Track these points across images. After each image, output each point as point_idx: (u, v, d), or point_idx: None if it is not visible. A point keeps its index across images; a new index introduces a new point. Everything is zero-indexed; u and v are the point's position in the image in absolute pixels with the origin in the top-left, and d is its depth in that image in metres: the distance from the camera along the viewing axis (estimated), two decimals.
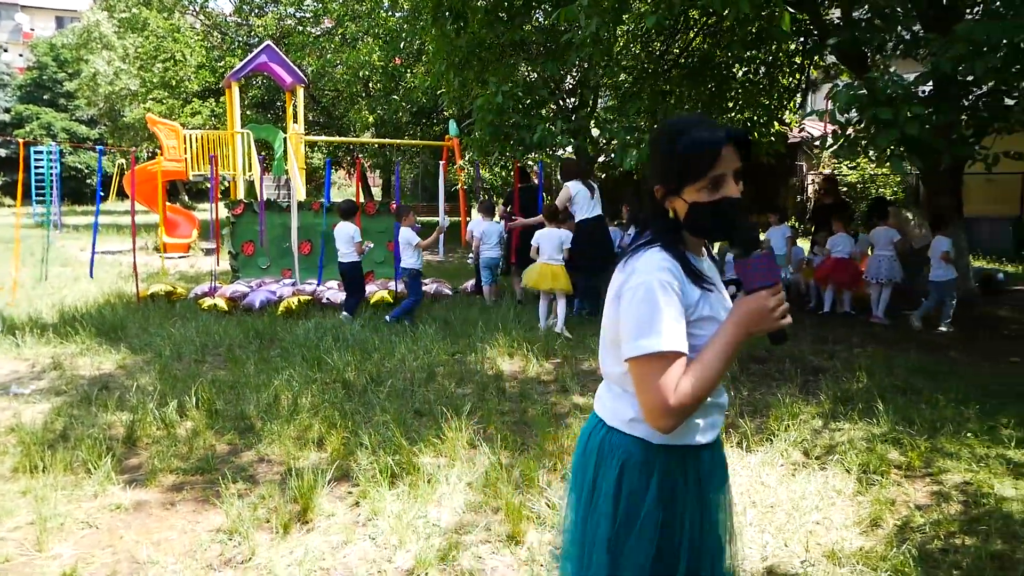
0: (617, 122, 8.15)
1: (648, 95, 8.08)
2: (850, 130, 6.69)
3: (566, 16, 6.91)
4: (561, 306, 7.02)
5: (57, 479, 3.58)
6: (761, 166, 11.70)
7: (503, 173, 16.98)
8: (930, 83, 6.88)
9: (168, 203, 14.91)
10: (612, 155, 8.51)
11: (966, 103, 7.09)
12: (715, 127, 1.52)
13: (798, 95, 10.91)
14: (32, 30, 51.45)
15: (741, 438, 4.27)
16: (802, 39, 9.11)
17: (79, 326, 6.84)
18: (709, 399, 1.57)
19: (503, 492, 3.39)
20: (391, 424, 4.26)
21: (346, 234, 7.39)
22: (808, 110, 8.99)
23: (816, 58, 10.11)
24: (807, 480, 3.72)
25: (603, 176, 21.49)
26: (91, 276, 9.88)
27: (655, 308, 1.46)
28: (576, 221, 7.45)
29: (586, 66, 9.44)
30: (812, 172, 19.68)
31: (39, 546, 3.03)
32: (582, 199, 7.36)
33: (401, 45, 14.64)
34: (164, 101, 20.15)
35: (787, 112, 10.31)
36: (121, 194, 36.49)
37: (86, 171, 36.69)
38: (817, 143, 6.74)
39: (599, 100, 11.45)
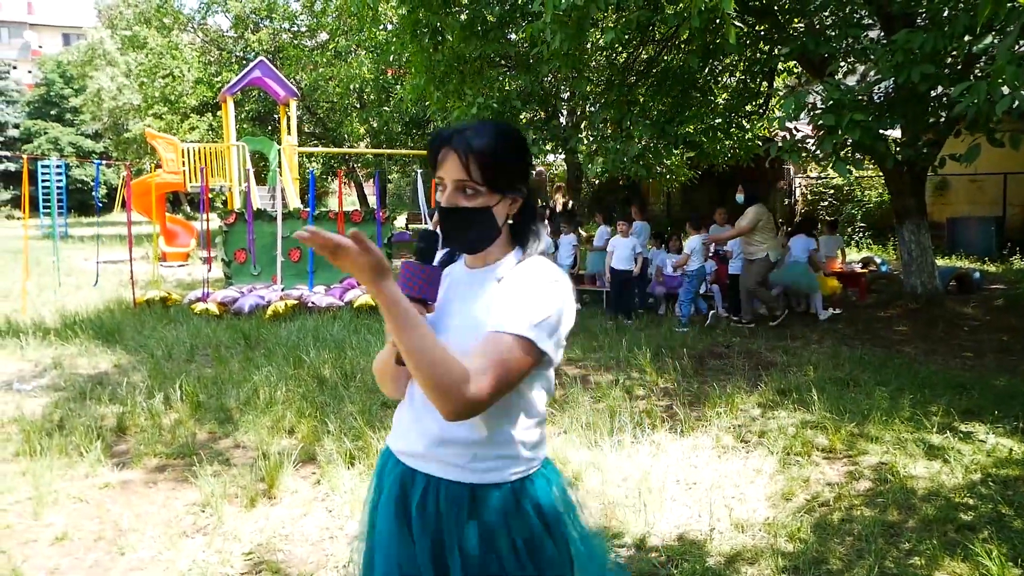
0: (587, 131, 8.58)
1: (614, 105, 8.49)
2: (802, 133, 7.10)
3: (532, 32, 7.33)
4: None
5: (53, 461, 4.03)
6: (742, 169, 12.07)
7: None
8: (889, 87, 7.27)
9: (169, 214, 15.41)
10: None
11: (928, 107, 7.45)
12: (444, 131, 1.50)
13: (774, 100, 11.30)
14: (40, 47, 52.27)
15: (676, 424, 4.67)
16: (767, 48, 9.50)
17: (79, 330, 7.31)
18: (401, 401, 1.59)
19: None
20: (356, 414, 4.68)
21: (628, 245, 8.20)
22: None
23: (788, 64, 10.49)
24: (732, 462, 4.11)
25: (595, 183, 21.93)
26: (95, 284, 10.38)
27: None
28: None
29: (558, 78, 9.87)
30: (800, 176, 20.04)
31: (36, 516, 3.48)
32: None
33: (391, 58, 15.13)
34: (164, 116, 20.69)
35: (758, 118, 10.70)
36: (125, 205, 37.16)
37: (92, 184, 37.33)
38: (765, 148, 7.08)
39: (587, 110, 11.87)
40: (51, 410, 4.94)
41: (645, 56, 9.42)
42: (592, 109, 10.12)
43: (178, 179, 14.65)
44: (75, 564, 3.10)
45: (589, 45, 8.76)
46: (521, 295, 1.39)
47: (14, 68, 41.09)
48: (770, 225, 7.91)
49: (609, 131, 8.52)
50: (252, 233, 9.37)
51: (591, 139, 8.63)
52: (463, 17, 9.33)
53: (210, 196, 30.73)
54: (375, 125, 18.40)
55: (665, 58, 9.22)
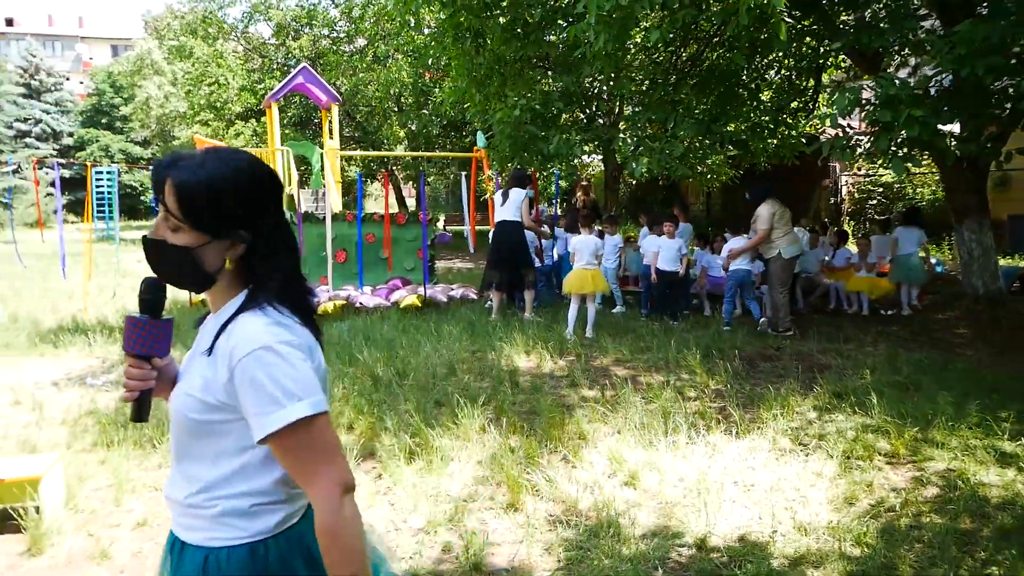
0: (628, 132, 8.52)
1: (657, 105, 8.41)
2: (853, 131, 6.94)
3: (575, 32, 7.31)
4: (591, 310, 7.45)
5: (128, 452, 4.18)
6: (785, 168, 11.88)
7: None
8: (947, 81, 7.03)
9: None
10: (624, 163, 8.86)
11: (992, 100, 7.18)
12: (166, 157, 1.39)
13: (821, 96, 11.09)
14: (91, 59, 53.98)
15: (731, 426, 4.63)
16: (814, 43, 9.33)
17: None
18: None
19: (506, 467, 3.83)
20: (412, 411, 4.73)
21: (674, 246, 8.20)
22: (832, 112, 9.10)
23: (836, 59, 10.28)
24: (790, 464, 4.06)
25: (633, 183, 21.79)
26: None
27: None
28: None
29: (599, 78, 9.84)
30: (846, 173, 19.61)
31: (117, 502, 3.65)
32: (496, 205, 8.53)
33: (429, 62, 15.27)
34: (210, 123, 21.15)
35: (805, 115, 10.53)
36: None
37: (140, 188, 38.36)
38: (810, 147, 6.90)
39: (626, 110, 11.81)
40: (123, 404, 5.10)
41: (688, 54, 9.31)
42: (635, 109, 10.07)
43: None
44: (156, 548, 3.22)
45: (632, 45, 8.69)
46: (254, 380, 1.26)
47: (67, 79, 42.43)
48: (785, 219, 7.67)
49: (652, 131, 8.47)
50: (301, 235, 9.53)
51: (633, 139, 8.58)
52: (504, 19, 9.35)
53: None
54: (414, 128, 18.59)
55: (709, 56, 9.11)
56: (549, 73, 10.41)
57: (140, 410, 1.41)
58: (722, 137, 8.44)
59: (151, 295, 1.40)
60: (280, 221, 1.41)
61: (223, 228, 1.33)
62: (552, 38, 9.71)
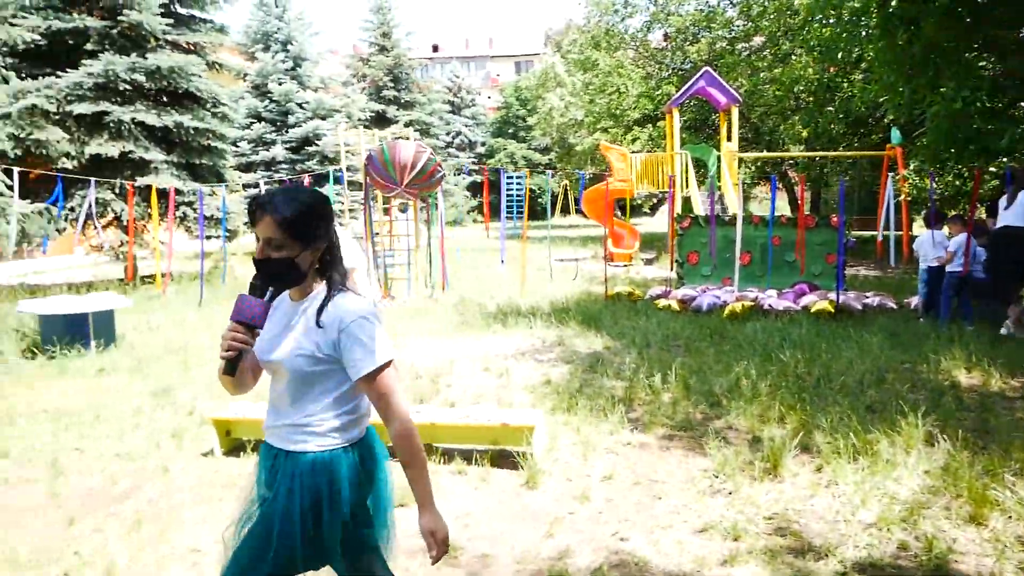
0: None
1: None
2: None
3: None
4: None
5: (583, 419, 4.93)
6: None
7: (956, 182, 15.27)
8: None
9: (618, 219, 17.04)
10: None
11: None
12: (260, 196, 1.92)
13: None
14: (497, 76, 62.06)
15: None
16: None
17: (567, 316, 8.64)
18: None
19: (967, 480, 3.65)
20: (847, 412, 4.73)
21: None
22: None
23: None
24: None
25: None
26: (574, 279, 12.18)
27: None
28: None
29: None
30: None
31: (584, 458, 4.35)
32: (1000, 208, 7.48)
33: (839, 55, 14.38)
34: (609, 130, 22.81)
35: None
36: (564, 210, 42.05)
37: (537, 191, 43.00)
38: None
39: None
40: (570, 378, 6.01)
41: None
42: None
43: (626, 186, 16.12)
44: (623, 499, 3.81)
45: None
46: (356, 338, 1.89)
47: (479, 95, 49.23)
48: None
49: None
50: (715, 236, 9.93)
51: None
52: (942, 3, 8.47)
53: (639, 203, 32.97)
54: (818, 127, 17.55)
55: None
56: (998, 57, 9.14)
57: (233, 366, 1.90)
58: None
59: (261, 282, 1.90)
60: (334, 231, 2.01)
61: (312, 240, 1.93)
62: (1004, 18, 8.50)
